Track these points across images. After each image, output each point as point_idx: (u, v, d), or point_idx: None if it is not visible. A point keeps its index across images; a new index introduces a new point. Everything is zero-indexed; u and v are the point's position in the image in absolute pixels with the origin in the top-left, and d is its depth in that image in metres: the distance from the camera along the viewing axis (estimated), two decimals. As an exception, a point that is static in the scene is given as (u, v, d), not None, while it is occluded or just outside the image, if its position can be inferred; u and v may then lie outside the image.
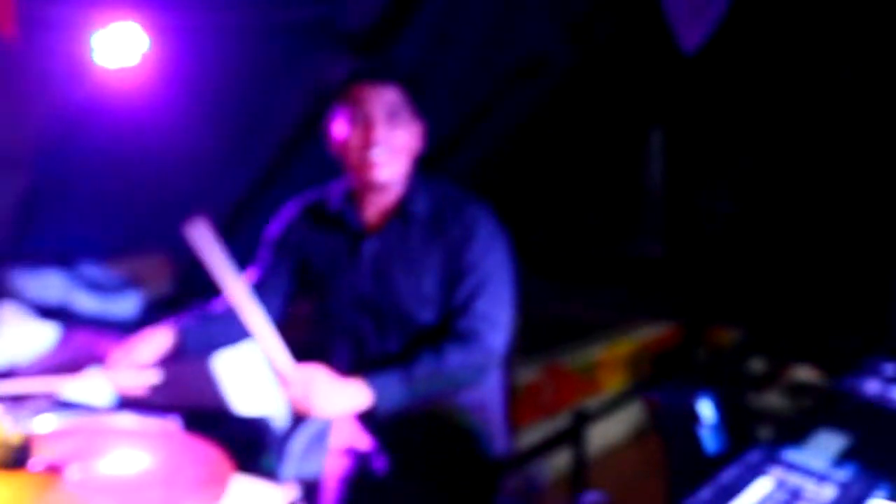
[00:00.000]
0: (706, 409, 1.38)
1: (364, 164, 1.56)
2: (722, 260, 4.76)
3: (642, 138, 5.37)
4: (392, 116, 1.56)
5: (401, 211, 1.61)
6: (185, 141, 3.39)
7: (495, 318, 1.57)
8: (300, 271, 1.72)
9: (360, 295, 1.62)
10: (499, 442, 1.73)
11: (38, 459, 0.94)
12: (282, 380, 1.43)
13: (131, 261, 3.76)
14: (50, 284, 3.35)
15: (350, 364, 1.66)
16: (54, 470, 0.94)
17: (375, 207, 1.63)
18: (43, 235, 3.57)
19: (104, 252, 3.70)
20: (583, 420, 4.02)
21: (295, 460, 2.86)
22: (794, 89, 4.34)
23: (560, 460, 5.39)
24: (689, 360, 5.04)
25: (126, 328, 3.43)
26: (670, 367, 6.07)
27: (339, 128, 1.59)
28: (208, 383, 2.81)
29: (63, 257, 3.56)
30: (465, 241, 1.57)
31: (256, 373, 2.83)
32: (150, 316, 3.72)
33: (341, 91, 1.59)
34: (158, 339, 1.58)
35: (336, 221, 1.65)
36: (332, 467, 1.81)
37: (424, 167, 1.70)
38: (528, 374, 5.34)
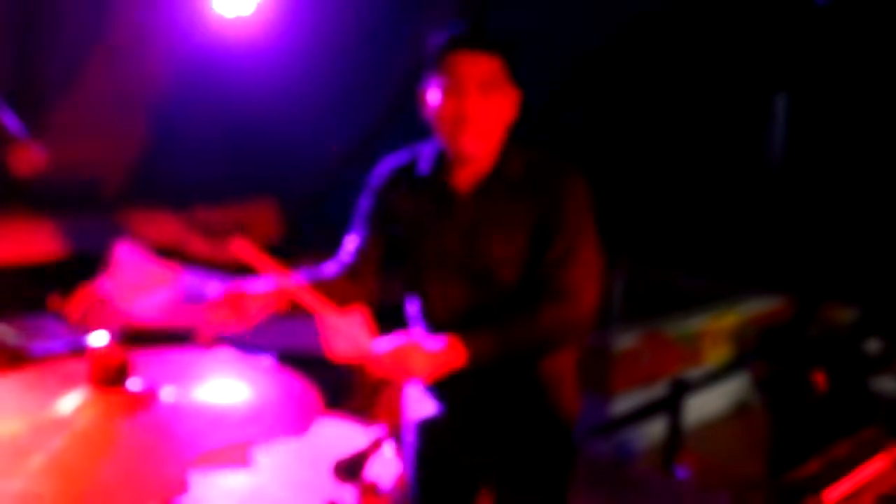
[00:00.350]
0: (819, 383, 1.28)
1: (455, 135, 1.53)
2: (842, 235, 4.47)
3: (765, 105, 5.07)
4: (486, 87, 1.51)
5: (492, 175, 1.59)
6: (295, 91, 3.47)
7: (586, 281, 1.55)
8: (391, 233, 1.72)
9: (449, 256, 1.61)
10: (571, 404, 1.72)
11: (135, 379, 0.98)
12: (375, 353, 1.43)
13: (241, 207, 3.91)
14: (165, 227, 3.52)
15: (437, 325, 1.66)
16: (150, 391, 0.98)
17: (467, 171, 1.60)
18: (159, 180, 3.76)
19: (215, 198, 3.86)
20: (681, 390, 3.92)
21: (376, 406, 2.93)
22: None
23: (655, 430, 5.30)
24: (800, 336, 4.79)
25: (236, 272, 3.59)
26: (778, 342, 5.79)
27: (433, 95, 1.55)
28: (305, 328, 2.89)
29: (177, 202, 3.73)
30: (555, 205, 1.54)
31: (350, 322, 2.90)
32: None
33: (437, 58, 1.55)
34: (268, 294, 1.58)
35: (427, 184, 1.64)
36: (414, 416, 1.83)
37: (529, 131, 1.66)
38: (627, 341, 5.23)
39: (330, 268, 1.74)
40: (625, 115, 4.94)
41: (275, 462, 1.43)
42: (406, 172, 1.68)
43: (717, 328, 5.80)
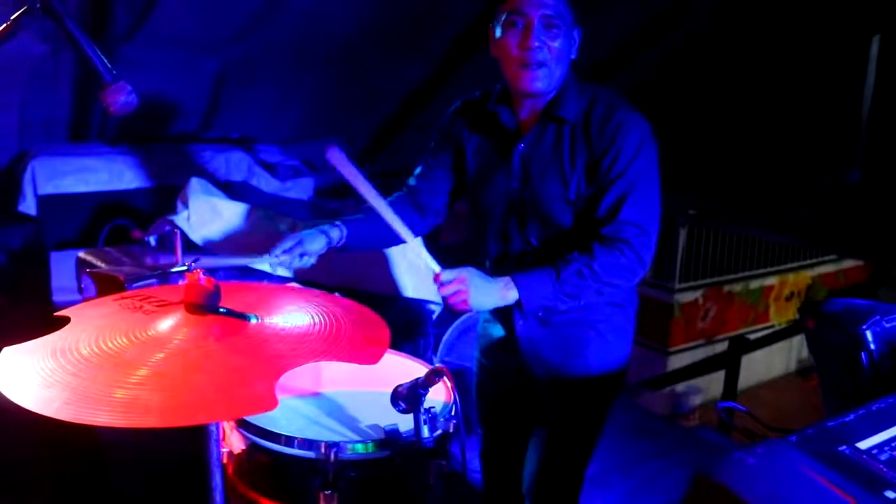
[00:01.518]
0: (870, 337, 1.33)
1: (519, 72, 1.59)
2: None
3: (857, 48, 4.86)
4: (551, 25, 1.56)
5: (552, 114, 1.63)
6: (362, 35, 3.52)
7: (644, 225, 1.59)
8: (460, 167, 1.80)
9: (509, 193, 1.69)
10: (626, 347, 1.80)
11: (225, 306, 1.10)
12: (436, 280, 1.55)
13: (306, 147, 4.03)
14: (235, 163, 3.68)
15: (496, 259, 1.75)
16: (238, 316, 1.11)
17: (529, 109, 1.67)
18: (227, 120, 3.90)
19: (282, 138, 3.99)
20: (740, 347, 3.94)
21: (445, 347, 3.06)
22: None
23: (711, 385, 5.34)
24: (873, 298, 4.71)
25: (300, 209, 3.74)
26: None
27: (499, 32, 1.61)
28: (375, 268, 3.03)
29: (243, 141, 3.88)
30: (613, 148, 1.57)
31: (419, 263, 3.01)
32: (320, 199, 4.01)
33: None
34: (330, 234, 1.71)
35: (492, 121, 1.71)
36: (477, 360, 1.94)
37: (607, 73, 1.69)
38: (691, 295, 5.25)
39: (392, 198, 1.85)
40: (705, 63, 4.83)
41: (340, 386, 1.58)
42: (475, 109, 1.77)
43: (784, 288, 5.76)
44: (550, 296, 1.57)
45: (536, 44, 1.55)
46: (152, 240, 2.65)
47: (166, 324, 1.10)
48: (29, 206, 3.32)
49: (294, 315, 1.17)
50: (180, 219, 2.72)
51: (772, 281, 5.63)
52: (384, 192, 4.44)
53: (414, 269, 3.04)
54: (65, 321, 1.15)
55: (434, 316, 3.13)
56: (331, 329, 1.12)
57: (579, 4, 1.66)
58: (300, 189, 3.85)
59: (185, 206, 2.78)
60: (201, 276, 1.07)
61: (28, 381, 1.00)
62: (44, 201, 3.33)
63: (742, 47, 4.84)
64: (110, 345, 1.07)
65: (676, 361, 5.11)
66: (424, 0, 3.59)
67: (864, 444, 0.92)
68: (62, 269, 2.83)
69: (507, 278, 1.58)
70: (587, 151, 1.60)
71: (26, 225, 3.42)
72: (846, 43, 4.85)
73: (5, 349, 1.07)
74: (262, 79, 3.70)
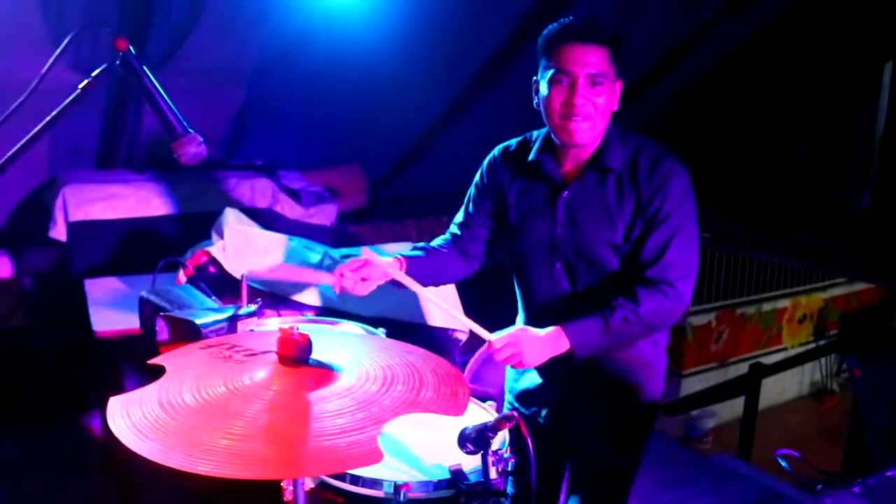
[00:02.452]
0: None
1: (564, 126, 1.67)
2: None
3: (870, 75, 4.98)
4: (595, 79, 1.64)
5: (597, 163, 1.72)
6: (385, 66, 3.63)
7: (686, 268, 1.68)
8: (500, 214, 1.88)
9: (554, 240, 1.76)
10: (658, 384, 1.87)
11: (315, 357, 1.19)
12: (489, 348, 1.64)
13: (328, 173, 4.13)
14: (259, 190, 3.77)
15: (539, 307, 1.82)
16: (330, 367, 1.19)
17: (573, 159, 1.75)
18: (251, 147, 4.00)
19: (304, 165, 4.09)
20: (760, 372, 4.03)
21: (469, 374, 3.14)
22: None
23: (724, 409, 5.41)
24: (887, 324, 4.79)
25: (324, 234, 3.83)
26: (859, 329, 5.79)
27: (545, 88, 1.69)
28: (402, 297, 3.11)
29: (267, 168, 3.98)
30: (658, 195, 1.66)
31: (444, 289, 3.10)
32: (343, 225, 4.11)
33: (548, 48, 1.68)
34: (392, 266, 1.77)
35: (535, 170, 1.79)
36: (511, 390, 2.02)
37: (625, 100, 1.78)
38: (703, 318, 5.33)
39: (440, 242, 1.94)
40: (721, 89, 4.94)
41: (399, 426, 1.66)
42: (517, 157, 1.84)
43: (796, 310, 5.85)
44: (599, 343, 1.65)
45: (581, 101, 1.63)
46: (186, 269, 2.73)
47: (260, 374, 1.19)
48: (59, 231, 3.41)
49: (377, 365, 1.26)
50: (216, 249, 2.81)
51: (784, 303, 5.72)
52: (399, 217, 4.51)
53: (440, 298, 3.13)
54: (161, 370, 1.24)
55: (461, 344, 3.21)
56: (415, 380, 1.21)
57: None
58: (323, 215, 3.95)
59: (221, 236, 2.87)
60: (295, 330, 1.16)
61: (140, 427, 1.08)
62: (73, 227, 3.42)
63: (759, 73, 4.96)
64: (211, 393, 1.15)
65: (689, 384, 5.19)
66: (442, 40, 3.71)
67: (924, 495, 1.01)
68: (97, 295, 2.92)
69: (557, 329, 1.65)
70: (635, 199, 1.68)
71: (56, 250, 3.51)
72: (861, 69, 4.97)
73: (112, 399, 1.16)
74: (286, 108, 3.81)
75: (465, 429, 1.42)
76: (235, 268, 2.79)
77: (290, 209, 3.86)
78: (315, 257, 2.98)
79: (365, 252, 1.72)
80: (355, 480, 1.46)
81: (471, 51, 3.92)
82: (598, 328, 1.64)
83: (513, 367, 1.64)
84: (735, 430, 4.87)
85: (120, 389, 2.86)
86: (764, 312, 5.64)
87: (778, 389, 5.64)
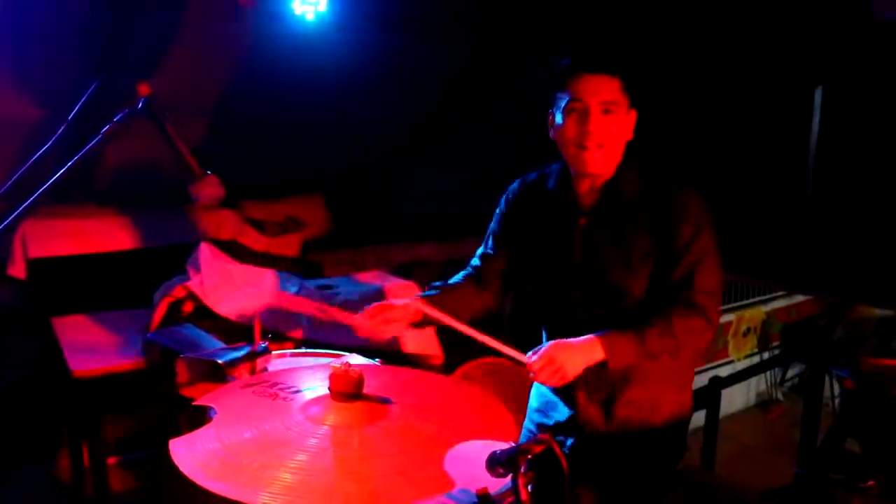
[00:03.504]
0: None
1: (579, 154, 1.74)
2: (874, 232, 4.72)
3: (801, 99, 5.29)
4: (608, 107, 1.72)
5: (613, 192, 1.80)
6: (346, 96, 3.71)
7: (714, 291, 1.76)
8: (519, 246, 1.95)
9: (573, 268, 1.84)
10: (685, 405, 1.96)
11: (367, 391, 1.26)
12: (530, 369, 1.67)
13: (290, 203, 4.17)
14: (223, 222, 3.78)
15: (562, 332, 1.83)
16: (382, 401, 1.27)
17: (589, 188, 1.82)
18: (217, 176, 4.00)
19: (266, 195, 4.12)
20: (719, 385, 4.23)
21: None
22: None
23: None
24: (827, 335, 5.08)
25: (289, 265, 3.86)
26: (800, 340, 6.11)
27: (559, 118, 1.76)
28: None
29: (230, 199, 3.98)
30: (677, 222, 1.74)
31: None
32: (307, 254, 4.15)
33: (561, 79, 1.75)
34: (410, 310, 1.82)
35: (552, 200, 1.87)
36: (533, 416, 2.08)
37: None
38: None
39: (458, 278, 2.00)
40: (653, 113, 5.16)
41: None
42: (535, 189, 1.92)
43: (741, 323, 6.13)
44: (633, 355, 1.70)
45: (595, 129, 1.71)
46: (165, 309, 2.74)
47: (314, 410, 1.25)
48: (18, 269, 3.34)
49: (418, 395, 1.34)
50: (194, 284, 2.82)
51: (729, 318, 5.97)
52: (356, 244, 4.52)
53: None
54: (208, 410, 1.29)
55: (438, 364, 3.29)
56: (458, 407, 1.29)
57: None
58: (287, 245, 3.98)
59: (198, 270, 2.88)
60: (350, 366, 1.24)
61: (207, 466, 1.13)
62: (33, 264, 3.36)
63: (693, 103, 5.22)
64: (268, 429, 1.21)
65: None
66: (406, 63, 3.81)
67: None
68: (70, 334, 2.89)
69: (592, 338, 1.69)
70: (650, 226, 1.75)
71: (15, 288, 3.44)
72: (792, 96, 5.29)
73: (172, 441, 1.20)
74: (248, 137, 3.83)
75: (494, 452, 1.50)
76: (215, 303, 2.81)
77: (254, 240, 3.87)
78: (292, 290, 3.02)
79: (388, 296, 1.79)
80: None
81: (432, 80, 4.03)
82: (634, 341, 1.69)
83: (555, 384, 1.67)
84: (690, 442, 5.07)
85: (97, 430, 2.83)
86: (711, 327, 5.90)
87: (726, 402, 5.88)
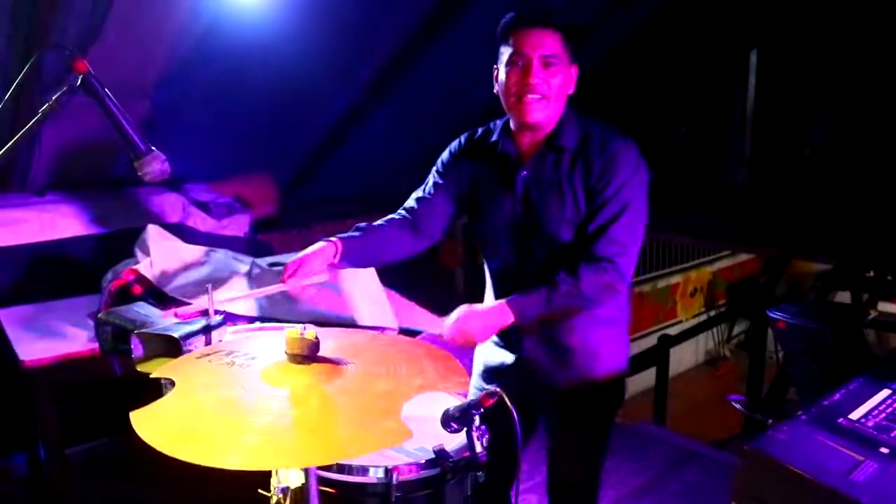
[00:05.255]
0: (831, 331, 1.68)
1: (519, 106, 1.81)
2: (811, 190, 4.91)
3: (737, 61, 5.45)
4: (549, 63, 1.79)
5: (552, 143, 1.87)
6: (284, 71, 3.69)
7: (627, 244, 1.82)
8: (462, 195, 2.03)
9: (512, 217, 1.91)
10: (623, 354, 2.06)
11: (324, 354, 1.30)
12: (440, 340, 1.75)
13: (236, 183, 4.15)
14: (170, 205, 3.75)
15: (507, 279, 1.97)
16: (338, 362, 1.31)
17: (529, 140, 1.90)
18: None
19: (212, 176, 4.09)
20: (668, 343, 4.38)
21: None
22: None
23: (631, 383, 5.78)
24: (769, 290, 5.28)
25: (237, 245, 3.86)
26: (743, 297, 6.32)
27: (502, 72, 1.84)
28: (330, 301, 3.20)
29: (175, 182, 3.95)
30: (606, 172, 1.80)
31: (372, 288, 3.22)
32: (256, 235, 4.14)
33: (505, 34, 1.83)
34: (326, 251, 1.88)
35: (495, 152, 1.94)
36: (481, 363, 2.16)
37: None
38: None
39: (390, 218, 2.05)
40: (613, 73, 5.25)
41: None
42: (479, 142, 2.00)
43: (689, 284, 6.33)
44: (541, 315, 1.81)
45: (536, 81, 1.78)
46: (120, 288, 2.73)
47: (272, 374, 1.29)
48: (-42, 262, 3.28)
49: (374, 354, 1.39)
50: (143, 267, 2.81)
51: (677, 279, 6.16)
52: (306, 223, 4.55)
53: (366, 297, 3.24)
54: (166, 382, 1.31)
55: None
56: (413, 364, 1.34)
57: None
58: (235, 226, 3.97)
59: (146, 253, 2.87)
60: (304, 330, 1.27)
61: (170, 434, 1.16)
62: (-25, 257, 3.30)
63: (639, 69, 5.32)
64: (228, 396, 1.25)
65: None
66: (341, 41, 3.81)
67: (854, 415, 1.25)
68: (16, 325, 2.85)
69: (501, 303, 1.79)
70: (585, 175, 1.83)
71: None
72: (730, 58, 5.44)
73: (133, 413, 1.22)
74: (192, 118, 3.79)
75: (448, 409, 1.56)
76: (164, 284, 2.81)
77: (201, 222, 3.86)
78: (243, 268, 3.03)
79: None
80: (346, 469, 1.57)
81: (370, 52, 4.03)
82: (541, 303, 1.79)
83: (470, 347, 1.77)
84: (642, 402, 5.23)
85: (51, 421, 2.80)
86: (659, 289, 6.07)
87: (676, 361, 6.08)
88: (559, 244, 1.87)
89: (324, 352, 1.36)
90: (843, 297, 4.71)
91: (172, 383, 1.30)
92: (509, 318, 1.80)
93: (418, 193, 2.09)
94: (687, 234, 5.52)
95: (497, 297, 1.96)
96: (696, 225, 5.30)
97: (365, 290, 3.26)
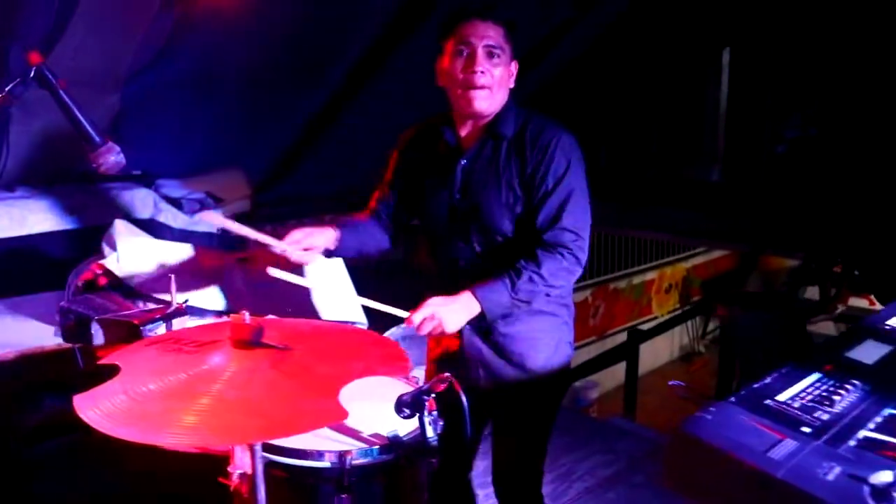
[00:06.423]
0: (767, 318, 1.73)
1: (465, 94, 1.86)
2: (783, 186, 4.97)
3: (710, 60, 5.51)
4: (492, 53, 1.84)
5: (490, 131, 1.92)
6: (259, 67, 3.71)
7: (579, 230, 1.88)
8: (408, 186, 2.07)
9: (454, 205, 1.96)
10: (565, 347, 2.09)
11: (268, 339, 1.33)
12: (409, 324, 1.79)
13: (209, 179, 4.16)
14: (141, 201, 3.76)
15: (450, 269, 2.00)
16: (280, 347, 1.34)
17: (470, 128, 1.95)
18: (128, 157, 3.96)
19: (184, 172, 4.10)
20: (637, 338, 4.43)
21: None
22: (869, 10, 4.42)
23: (605, 380, 5.84)
24: (740, 287, 5.34)
25: (210, 242, 3.87)
26: (717, 292, 6.39)
27: (445, 60, 1.89)
28: (293, 295, 3.22)
29: (146, 178, 3.96)
30: (546, 161, 1.85)
31: (340, 283, 3.24)
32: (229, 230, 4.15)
33: (450, 25, 1.87)
34: (328, 233, 1.95)
35: (438, 141, 1.99)
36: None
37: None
38: (581, 295, 5.73)
39: (361, 215, 2.12)
40: (588, 70, 5.31)
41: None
42: (423, 133, 2.05)
43: (664, 280, 6.39)
44: (508, 303, 1.84)
45: (480, 69, 1.83)
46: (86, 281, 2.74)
47: (216, 359, 1.32)
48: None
49: (320, 341, 1.42)
50: (110, 262, 2.82)
51: (652, 276, 6.22)
52: (281, 219, 4.57)
53: (329, 291, 3.27)
54: (116, 369, 1.34)
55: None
56: (355, 350, 1.38)
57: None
58: (208, 222, 3.97)
59: (113, 248, 2.88)
60: (246, 316, 1.30)
61: (112, 416, 1.19)
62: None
63: (615, 66, 5.38)
64: (172, 379, 1.28)
65: (573, 359, 5.57)
66: (320, 33, 3.84)
67: (781, 397, 1.29)
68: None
69: (468, 293, 1.83)
70: (522, 164, 1.88)
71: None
72: (703, 57, 5.51)
73: (76, 397, 1.25)
74: (163, 113, 3.80)
75: (402, 395, 1.59)
76: (131, 278, 2.82)
77: (173, 218, 3.86)
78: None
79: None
80: (301, 454, 1.60)
81: (344, 47, 4.06)
82: (506, 289, 1.83)
83: (435, 336, 1.79)
84: (616, 397, 5.29)
85: (15, 418, 2.80)
86: (634, 285, 6.13)
87: (651, 357, 6.14)
88: (498, 233, 1.92)
89: (272, 339, 1.39)
90: (813, 291, 4.79)
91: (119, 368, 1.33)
92: (476, 307, 1.82)
93: (378, 192, 2.14)
94: (661, 231, 5.59)
95: (439, 291, 2.00)
96: (670, 221, 5.37)
97: (334, 283, 3.29)
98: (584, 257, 1.90)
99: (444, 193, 1.97)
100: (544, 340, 2.02)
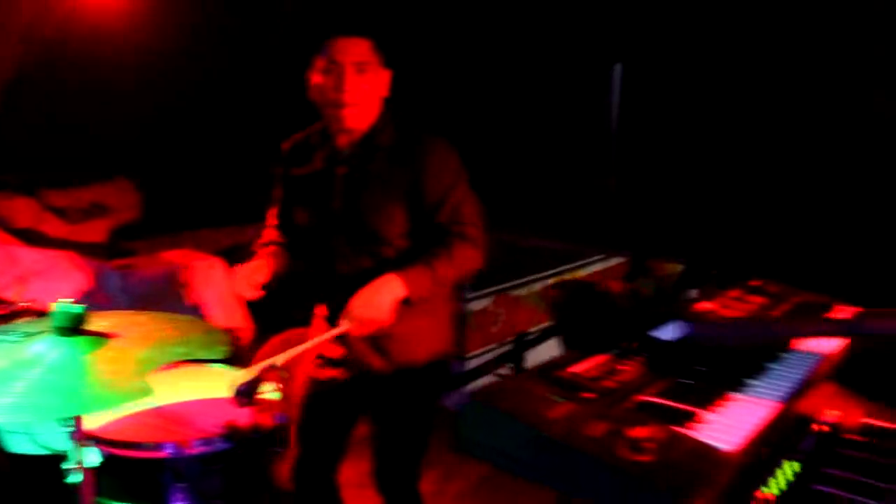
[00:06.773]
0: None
1: (336, 113, 1.91)
2: (670, 195, 5.22)
3: (601, 74, 5.74)
4: (361, 66, 1.89)
5: (370, 142, 1.97)
6: (150, 71, 3.73)
7: (478, 223, 1.97)
8: (289, 198, 2.10)
9: (334, 215, 1.98)
10: (444, 346, 2.13)
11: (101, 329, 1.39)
12: (346, 330, 1.84)
13: (96, 189, 4.12)
14: (20, 210, 3.70)
15: (332, 277, 2.02)
16: (101, 334, 1.40)
17: (347, 139, 1.98)
18: (8, 165, 3.91)
19: (70, 179, 4.05)
20: (523, 343, 4.59)
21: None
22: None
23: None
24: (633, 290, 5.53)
25: (96, 251, 3.83)
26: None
27: (315, 76, 1.94)
28: (175, 300, 3.25)
29: (27, 186, 3.90)
30: (435, 170, 1.92)
31: (223, 289, 3.28)
32: (117, 240, 4.12)
33: (319, 44, 1.92)
34: (266, 266, 1.99)
35: (314, 153, 2.03)
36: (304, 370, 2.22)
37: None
38: (482, 303, 5.84)
39: (270, 234, 2.16)
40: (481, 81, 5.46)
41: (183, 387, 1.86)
42: (300, 146, 2.09)
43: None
44: (428, 285, 1.88)
45: (349, 86, 1.88)
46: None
47: (38, 347, 1.37)
48: None
49: (146, 328, 1.48)
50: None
51: (551, 283, 6.36)
52: (175, 230, 4.51)
53: (220, 299, 3.31)
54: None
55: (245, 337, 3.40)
56: (182, 336, 1.45)
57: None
58: (93, 232, 3.95)
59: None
60: (69, 303, 1.36)
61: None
62: None
63: (506, 76, 5.56)
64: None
65: (474, 365, 5.68)
66: (205, 42, 3.87)
67: (572, 369, 1.42)
68: None
69: (386, 277, 1.84)
70: (402, 171, 1.93)
71: None
72: (594, 73, 5.75)
73: None
74: (47, 121, 3.77)
75: (239, 385, 1.65)
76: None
77: (55, 228, 3.82)
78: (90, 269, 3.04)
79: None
80: (141, 447, 1.64)
81: (240, 55, 4.09)
82: (427, 272, 1.87)
83: (377, 332, 1.85)
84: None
85: None
86: (534, 292, 6.28)
87: (545, 358, 6.29)
88: (381, 242, 1.95)
89: (103, 328, 1.44)
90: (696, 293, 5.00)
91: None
92: (400, 289, 1.84)
93: (273, 207, 2.16)
94: (556, 239, 5.77)
95: (322, 299, 2.04)
96: (564, 230, 5.53)
97: (219, 292, 3.32)
98: (484, 248, 1.96)
99: (323, 203, 1.99)
100: (424, 339, 2.06)
